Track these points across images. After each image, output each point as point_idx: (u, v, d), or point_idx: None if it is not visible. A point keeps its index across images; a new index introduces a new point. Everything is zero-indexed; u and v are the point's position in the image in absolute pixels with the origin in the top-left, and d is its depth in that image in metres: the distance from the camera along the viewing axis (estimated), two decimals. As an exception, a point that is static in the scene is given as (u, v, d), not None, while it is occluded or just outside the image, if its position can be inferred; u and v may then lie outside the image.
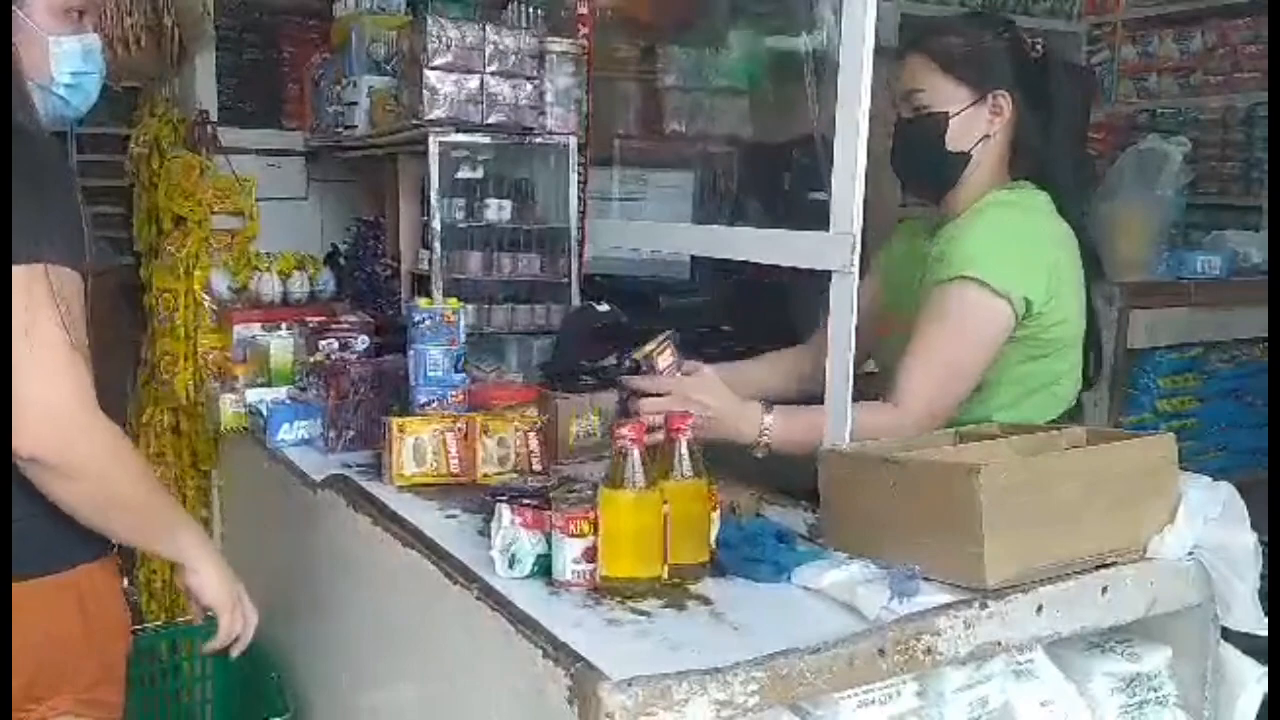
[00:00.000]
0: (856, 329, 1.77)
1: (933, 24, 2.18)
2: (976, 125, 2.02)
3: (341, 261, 3.41)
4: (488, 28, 2.62)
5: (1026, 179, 2.06)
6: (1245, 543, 1.67)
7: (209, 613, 1.78)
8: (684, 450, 1.56)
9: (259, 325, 2.72)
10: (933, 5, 4.75)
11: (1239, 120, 5.00)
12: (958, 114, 2.02)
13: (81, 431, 1.51)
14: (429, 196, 2.68)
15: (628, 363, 2.02)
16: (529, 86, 2.66)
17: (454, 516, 1.84)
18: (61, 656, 1.60)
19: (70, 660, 1.61)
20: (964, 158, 2.04)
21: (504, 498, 1.70)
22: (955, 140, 2.03)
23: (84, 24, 1.71)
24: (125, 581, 2.05)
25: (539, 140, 2.73)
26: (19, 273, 1.46)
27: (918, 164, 2.10)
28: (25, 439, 1.46)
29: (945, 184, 2.08)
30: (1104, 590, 1.54)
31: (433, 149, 2.61)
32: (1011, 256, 1.93)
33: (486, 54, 2.60)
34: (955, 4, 4.83)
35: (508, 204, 2.77)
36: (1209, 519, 1.65)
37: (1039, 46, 2.06)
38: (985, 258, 1.92)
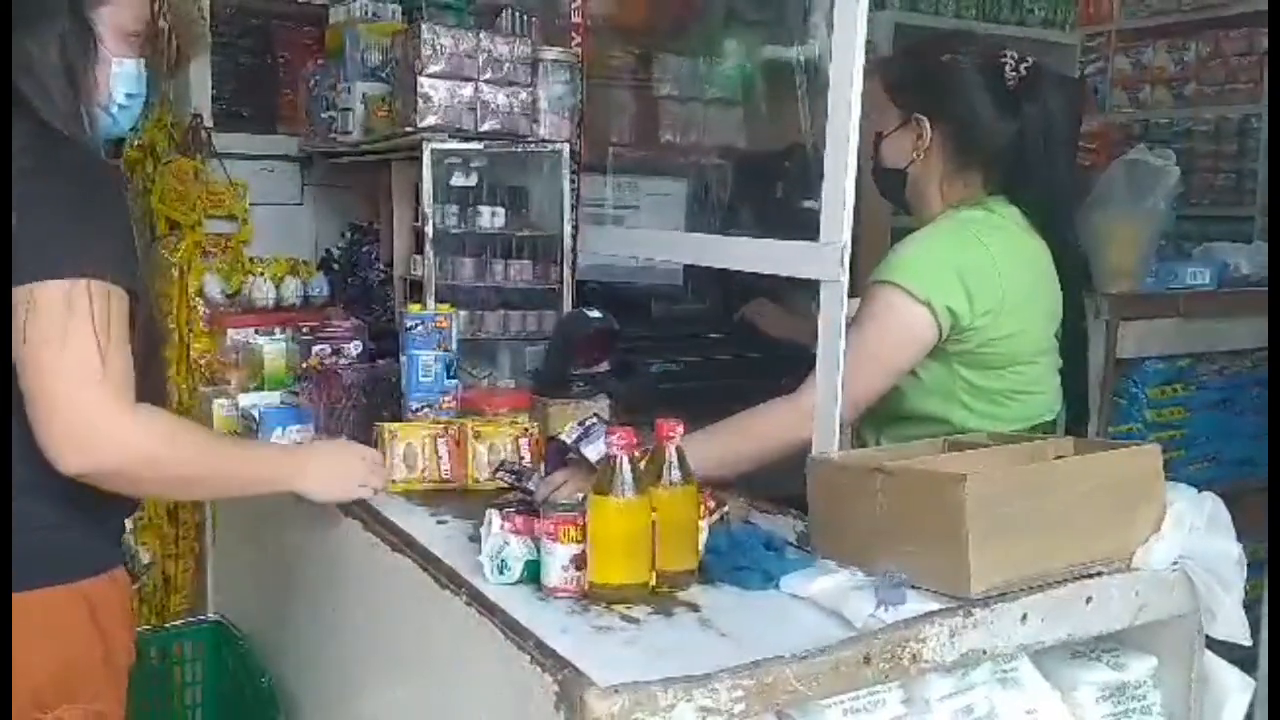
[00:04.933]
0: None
1: (900, 48, 2.26)
2: (902, 147, 2.12)
3: (335, 266, 3.41)
4: (482, 35, 2.63)
5: (998, 193, 2.08)
6: (1230, 553, 1.69)
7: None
8: (673, 457, 1.57)
9: (252, 330, 2.73)
10: (925, 15, 4.77)
11: (1232, 131, 5.02)
12: (888, 135, 2.13)
13: (114, 443, 1.55)
14: (422, 203, 2.69)
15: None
16: (523, 94, 2.67)
17: (444, 522, 1.85)
18: (72, 667, 1.62)
19: (80, 670, 1.63)
20: (899, 174, 2.13)
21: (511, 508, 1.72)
22: (887, 158, 2.15)
23: (140, 48, 1.78)
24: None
25: (532, 147, 2.74)
26: (59, 285, 1.50)
27: (874, 174, 2.20)
28: (67, 460, 1.52)
29: (893, 195, 2.20)
30: (1089, 599, 1.55)
31: (426, 156, 2.62)
32: (937, 269, 1.95)
33: (480, 61, 2.61)
34: (949, 14, 4.85)
35: (501, 210, 2.77)
36: (1194, 529, 1.66)
37: (1021, 71, 2.04)
38: (911, 266, 1.96)
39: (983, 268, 1.96)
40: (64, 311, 1.50)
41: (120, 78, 1.75)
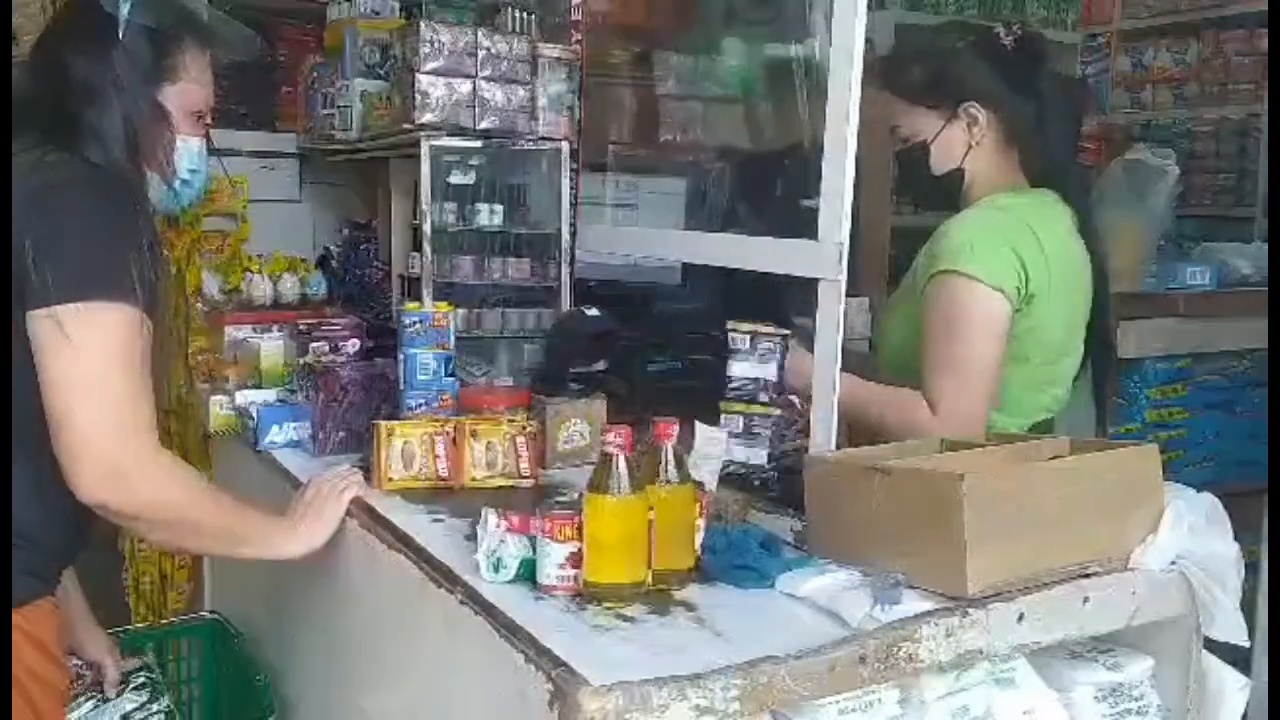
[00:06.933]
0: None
1: (891, 59, 2.27)
2: (956, 142, 2.09)
3: (333, 264, 3.41)
4: (480, 32, 2.63)
5: (1042, 184, 2.08)
6: (1228, 553, 1.68)
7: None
8: (670, 456, 1.56)
9: (250, 327, 2.72)
10: (926, 14, 4.78)
11: (1232, 132, 5.02)
12: (935, 139, 2.09)
13: (139, 492, 1.58)
14: (420, 200, 2.69)
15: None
16: (521, 91, 2.67)
17: (441, 520, 1.84)
18: None
19: None
20: (956, 173, 2.10)
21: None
22: (940, 162, 2.11)
23: (201, 126, 1.89)
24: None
25: (531, 145, 2.74)
26: (93, 308, 1.54)
27: (919, 186, 2.19)
28: (89, 493, 1.55)
29: (949, 198, 2.14)
30: (1086, 600, 1.54)
31: (424, 153, 2.62)
32: (994, 248, 1.95)
33: (479, 59, 2.61)
34: (949, 13, 4.85)
35: (499, 208, 2.77)
36: (1192, 529, 1.65)
37: (1015, 33, 2.07)
38: (971, 250, 1.95)
39: (1032, 252, 1.97)
40: (96, 339, 1.53)
41: (184, 154, 1.84)
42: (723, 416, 1.96)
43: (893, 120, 2.14)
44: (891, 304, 2.29)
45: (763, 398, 1.93)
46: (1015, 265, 1.94)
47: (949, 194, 2.14)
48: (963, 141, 2.08)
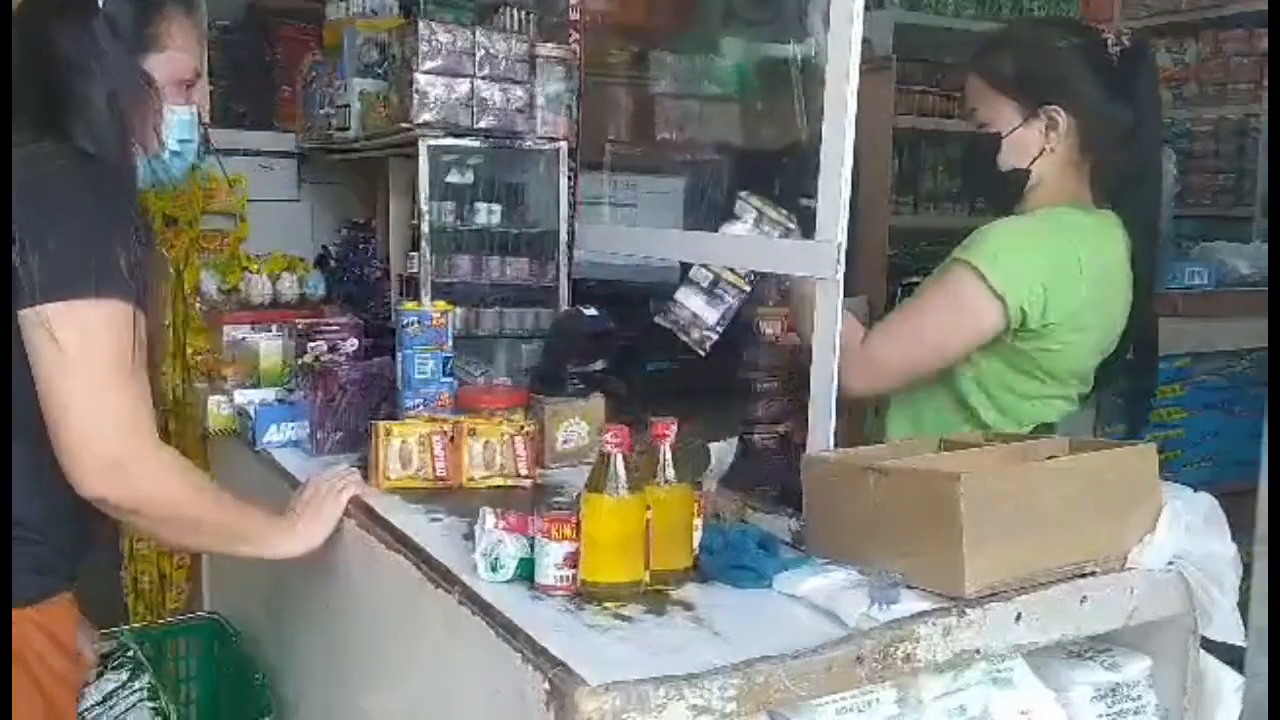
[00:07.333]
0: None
1: (988, 40, 2.21)
2: (1030, 141, 2.03)
3: (331, 263, 3.41)
4: (478, 32, 2.63)
5: (1109, 205, 2.04)
6: (1225, 553, 1.68)
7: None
8: (668, 456, 1.56)
9: (248, 326, 2.73)
10: (927, 14, 4.78)
11: (1231, 132, 5.02)
12: (1010, 133, 2.03)
13: (138, 486, 1.58)
14: (419, 199, 2.69)
15: None
16: (519, 91, 2.67)
17: (439, 520, 1.84)
18: None
19: None
20: (1022, 174, 2.04)
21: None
22: (1009, 158, 2.04)
23: (191, 94, 1.84)
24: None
25: (529, 145, 2.73)
26: (82, 305, 1.52)
27: (980, 179, 2.13)
28: (89, 488, 1.55)
29: (1007, 199, 2.08)
30: (1083, 599, 1.54)
31: (422, 152, 2.62)
32: (1025, 268, 1.92)
33: (477, 58, 2.61)
34: (949, 13, 4.85)
35: (497, 208, 2.77)
36: (1190, 529, 1.65)
37: (1123, 43, 2.03)
38: (997, 254, 1.92)
39: (1069, 281, 1.93)
40: (88, 337, 1.52)
41: (174, 124, 1.80)
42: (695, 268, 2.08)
43: (971, 103, 2.09)
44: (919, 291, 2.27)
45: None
46: (1035, 289, 1.90)
47: (1004, 193, 2.08)
48: (1037, 143, 2.02)
